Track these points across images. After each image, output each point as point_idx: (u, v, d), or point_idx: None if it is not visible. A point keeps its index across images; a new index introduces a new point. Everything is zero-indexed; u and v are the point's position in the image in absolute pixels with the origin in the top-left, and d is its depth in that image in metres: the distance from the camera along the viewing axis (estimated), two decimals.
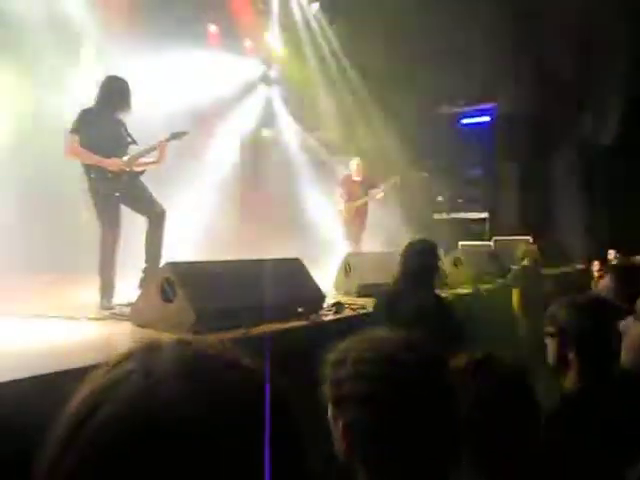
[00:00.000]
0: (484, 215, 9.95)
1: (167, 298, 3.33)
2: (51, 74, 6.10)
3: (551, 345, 1.92)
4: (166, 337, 0.62)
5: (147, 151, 4.35)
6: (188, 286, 3.32)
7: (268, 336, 3.16)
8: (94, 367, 0.59)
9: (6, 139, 6.05)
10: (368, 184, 7.55)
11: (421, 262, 3.57)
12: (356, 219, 7.47)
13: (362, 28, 9.00)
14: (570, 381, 1.86)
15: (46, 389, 1.82)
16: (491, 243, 8.80)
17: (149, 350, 0.59)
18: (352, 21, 9.22)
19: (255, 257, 4.26)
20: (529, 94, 9.43)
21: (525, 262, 6.16)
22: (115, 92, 4.27)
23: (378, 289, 4.00)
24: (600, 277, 6.00)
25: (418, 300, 3.31)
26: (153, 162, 4.41)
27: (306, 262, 4.30)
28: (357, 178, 7.57)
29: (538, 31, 8.86)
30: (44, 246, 5.74)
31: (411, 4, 8.74)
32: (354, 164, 7.63)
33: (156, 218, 4.27)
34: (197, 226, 7.62)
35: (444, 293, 5.30)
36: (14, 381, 1.92)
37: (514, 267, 6.43)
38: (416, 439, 1.05)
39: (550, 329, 1.93)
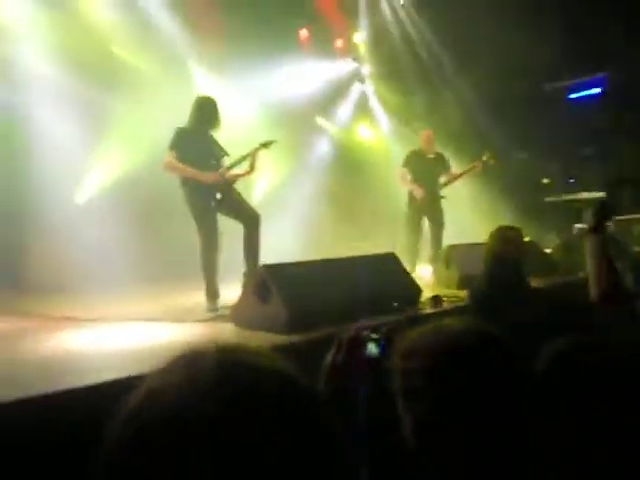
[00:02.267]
0: (601, 194, 9.27)
1: (263, 299, 3.46)
2: (163, 102, 6.51)
3: None
4: (212, 344, 0.65)
5: (238, 162, 4.60)
6: (282, 286, 3.43)
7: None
8: None
9: (128, 166, 6.60)
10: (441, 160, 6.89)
11: (504, 249, 3.49)
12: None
13: (453, 13, 8.74)
14: None
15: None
16: (610, 224, 8.20)
17: (192, 359, 0.63)
18: (443, 7, 8.97)
19: (351, 254, 4.31)
20: None
21: None
22: (206, 111, 4.56)
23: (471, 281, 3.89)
24: None
25: (502, 293, 3.22)
26: (245, 173, 4.64)
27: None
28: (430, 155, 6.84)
29: None
30: (156, 258, 6.18)
31: None
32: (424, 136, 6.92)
33: (252, 223, 4.48)
34: (297, 230, 7.80)
35: (555, 280, 5.08)
36: (116, 380, 2.12)
37: (637, 249, 5.97)
38: (484, 436, 1.02)
39: None
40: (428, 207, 6.57)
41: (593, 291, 2.15)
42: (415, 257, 6.41)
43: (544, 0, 8.36)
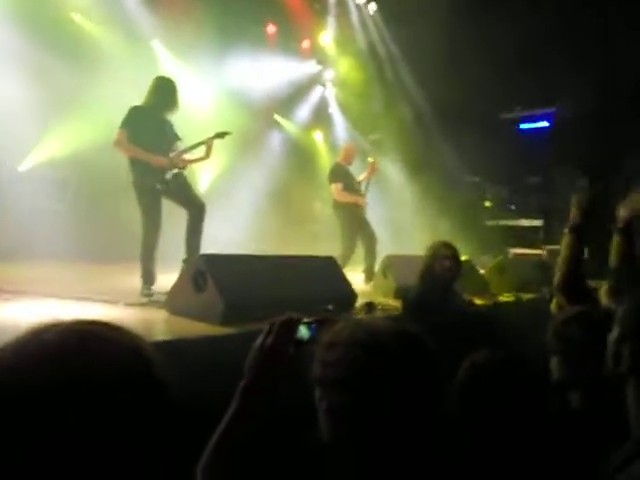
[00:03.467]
0: (538, 223, 9.68)
1: (199, 288, 3.44)
2: (122, 79, 6.36)
3: None
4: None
5: (191, 148, 4.57)
6: (219, 277, 3.42)
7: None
8: None
9: (85, 144, 6.41)
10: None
11: (442, 265, 3.65)
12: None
13: (420, 31, 8.94)
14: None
15: None
16: (544, 252, 8.58)
17: (40, 330, 0.68)
18: (410, 23, 9.16)
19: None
20: (592, 97, 9.12)
21: None
22: (164, 92, 4.51)
23: (405, 292, 4.02)
24: None
25: (430, 304, 3.36)
26: (200, 158, 4.62)
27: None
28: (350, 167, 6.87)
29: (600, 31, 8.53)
30: (92, 236, 6.05)
31: (470, 8, 8.66)
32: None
33: (196, 212, 4.45)
34: (241, 222, 7.79)
35: (484, 300, 5.27)
36: None
37: None
38: (398, 427, 1.06)
39: None
40: (364, 218, 6.66)
41: (556, 277, 2.25)
42: (346, 265, 6.45)
43: (502, 34, 8.66)
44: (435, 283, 3.79)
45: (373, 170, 6.89)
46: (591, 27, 8.38)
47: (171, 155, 4.46)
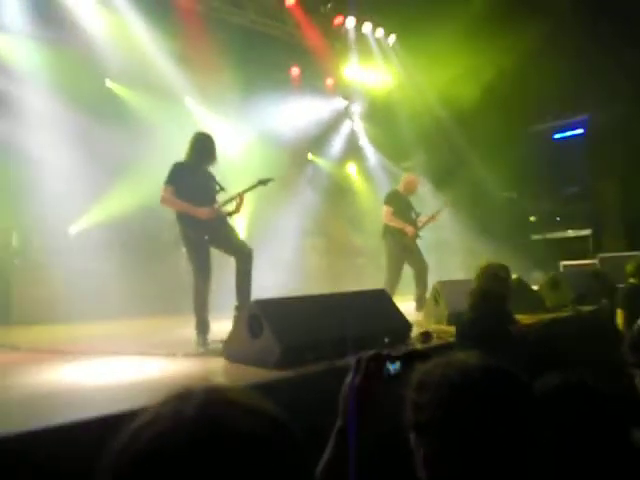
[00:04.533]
0: (587, 232, 9.44)
1: (254, 334, 3.45)
2: (160, 138, 6.59)
3: None
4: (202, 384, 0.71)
5: (231, 199, 4.66)
6: (273, 321, 3.42)
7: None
8: None
9: (129, 206, 6.66)
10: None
11: (490, 286, 3.58)
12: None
13: (443, 53, 9.00)
14: None
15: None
16: (595, 261, 8.34)
17: (181, 395, 0.69)
18: (431, 49, 9.22)
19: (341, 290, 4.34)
20: (624, 104, 8.96)
21: (633, 280, 5.78)
22: (203, 147, 4.65)
23: (458, 318, 3.94)
24: None
25: (486, 329, 3.28)
26: (232, 212, 4.68)
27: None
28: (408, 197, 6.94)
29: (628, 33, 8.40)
30: (147, 293, 6.20)
31: (493, 24, 8.67)
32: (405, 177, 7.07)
33: (244, 258, 4.51)
34: (285, 265, 7.84)
35: (540, 317, 5.13)
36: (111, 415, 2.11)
37: (621, 286, 6.05)
38: (498, 471, 1.01)
39: None
40: (413, 246, 6.62)
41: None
42: (393, 294, 6.39)
43: (528, 50, 8.63)
44: (487, 306, 3.70)
45: (436, 216, 6.92)
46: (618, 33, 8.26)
47: (215, 206, 4.57)
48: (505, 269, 3.95)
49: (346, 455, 1.20)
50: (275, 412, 0.70)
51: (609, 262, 7.78)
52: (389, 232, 6.61)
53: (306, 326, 3.53)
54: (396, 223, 6.58)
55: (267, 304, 3.56)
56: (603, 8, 8.19)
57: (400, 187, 6.93)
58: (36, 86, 6.13)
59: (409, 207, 6.81)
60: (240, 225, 8.16)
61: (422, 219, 6.85)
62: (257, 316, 3.47)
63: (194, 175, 4.55)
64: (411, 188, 6.91)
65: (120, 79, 7.12)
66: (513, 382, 1.06)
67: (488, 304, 3.75)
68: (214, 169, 4.76)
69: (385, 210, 6.67)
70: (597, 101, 9.29)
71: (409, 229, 6.57)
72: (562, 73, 8.84)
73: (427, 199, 7.90)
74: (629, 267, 5.87)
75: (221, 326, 4.30)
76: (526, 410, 1.04)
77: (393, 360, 1.24)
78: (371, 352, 1.26)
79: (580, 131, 10.16)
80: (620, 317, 5.41)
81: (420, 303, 6.18)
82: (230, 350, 3.63)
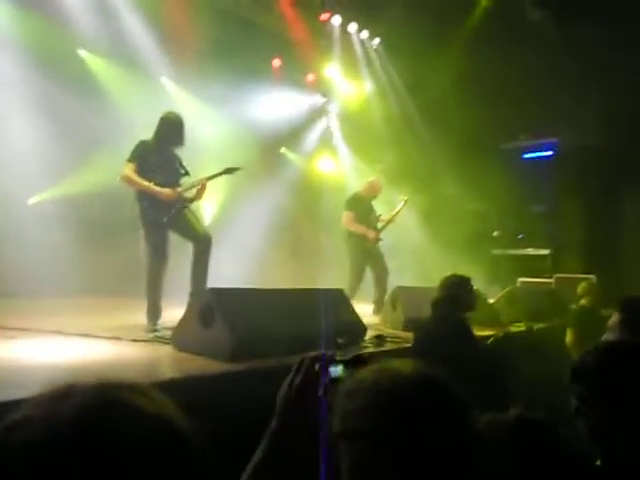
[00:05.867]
0: (546, 252, 9.59)
1: (206, 323, 3.35)
2: (130, 113, 6.40)
3: None
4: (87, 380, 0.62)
5: (193, 185, 4.54)
6: (227, 312, 3.33)
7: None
8: None
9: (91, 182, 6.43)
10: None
11: (450, 296, 3.58)
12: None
13: (423, 65, 9.03)
14: None
15: None
16: (552, 280, 8.47)
17: (57, 395, 0.60)
18: (413, 58, 9.23)
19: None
20: (594, 127, 9.14)
21: (583, 301, 5.88)
22: (171, 128, 4.50)
23: (418, 324, 3.91)
24: None
25: (447, 339, 3.27)
26: (193, 198, 4.55)
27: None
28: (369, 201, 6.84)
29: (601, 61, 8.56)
30: (103, 271, 6.02)
31: (472, 39, 8.75)
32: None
33: (202, 244, 4.41)
34: (248, 257, 7.72)
35: (495, 331, 5.15)
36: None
37: (573, 306, 6.15)
38: None
39: None
40: (375, 250, 6.58)
41: None
42: (354, 297, 6.36)
43: (504, 70, 8.74)
44: (449, 316, 3.68)
45: (395, 216, 6.86)
46: (594, 57, 8.41)
47: (179, 189, 4.45)
48: (469, 280, 3.94)
49: (279, 458, 1.14)
50: (174, 418, 0.61)
51: (565, 282, 7.90)
52: (351, 236, 6.55)
53: (260, 320, 3.45)
54: (357, 228, 6.51)
55: (222, 293, 3.47)
56: (580, 33, 8.31)
57: (362, 190, 6.86)
58: (2, 47, 5.86)
59: (370, 210, 6.76)
60: (207, 213, 8.02)
61: (383, 219, 6.81)
62: (210, 305, 3.37)
63: (159, 155, 4.42)
64: (374, 191, 6.85)
65: (94, 50, 6.88)
66: (444, 395, 1.01)
67: (450, 313, 3.73)
68: (182, 152, 4.64)
69: (346, 215, 6.58)
70: (568, 126, 9.46)
71: (370, 234, 6.52)
72: (536, 96, 8.97)
73: (394, 202, 7.88)
74: (580, 289, 6.00)
75: (175, 313, 4.17)
76: (454, 424, 0.99)
77: (337, 363, 1.16)
78: (314, 353, 1.18)
79: (549, 153, 10.32)
80: (570, 336, 5.49)
81: (378, 307, 6.16)
82: (179, 338, 3.52)
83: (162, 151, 4.47)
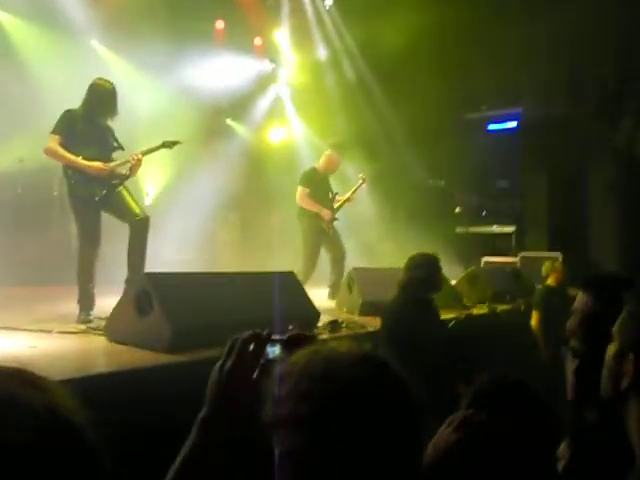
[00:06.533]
0: (510, 229, 9.82)
1: (143, 311, 3.30)
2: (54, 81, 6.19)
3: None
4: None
5: (127, 161, 4.43)
6: (166, 299, 3.28)
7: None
8: None
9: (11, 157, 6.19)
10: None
11: (421, 277, 3.63)
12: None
13: (380, 27, 9.01)
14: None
15: None
16: (517, 259, 8.69)
17: None
18: (369, 19, 9.20)
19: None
20: (560, 98, 9.35)
21: (549, 281, 6.05)
22: (101, 96, 4.39)
23: (382, 308, 3.95)
24: None
25: (416, 325, 3.33)
26: (126, 175, 4.44)
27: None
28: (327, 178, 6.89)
29: (570, 32, 8.74)
30: (30, 257, 5.85)
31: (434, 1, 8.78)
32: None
33: (139, 225, 4.31)
34: (190, 238, 7.63)
35: (456, 313, 5.26)
36: None
37: (539, 287, 6.33)
38: (367, 474, 0.96)
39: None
40: (331, 230, 6.60)
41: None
42: (308, 280, 6.41)
43: (467, 34, 8.81)
44: (420, 298, 3.74)
45: (352, 195, 6.88)
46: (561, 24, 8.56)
47: (111, 165, 4.33)
48: (439, 260, 3.99)
49: (208, 448, 1.12)
50: (67, 413, 0.60)
51: (529, 261, 8.12)
52: (305, 214, 6.54)
53: (203, 306, 3.43)
54: (311, 206, 6.51)
55: (160, 278, 3.43)
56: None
57: (319, 165, 6.85)
58: None
59: (327, 187, 6.77)
60: (149, 192, 7.88)
61: (338, 198, 6.83)
62: (147, 291, 3.32)
63: (88, 127, 4.31)
64: (331, 167, 6.85)
65: (10, 9, 6.59)
66: (386, 375, 1.00)
67: (421, 295, 3.79)
68: (115, 124, 4.53)
69: (300, 191, 6.55)
70: (532, 95, 9.64)
71: (325, 213, 6.53)
72: (499, 62, 9.07)
73: (350, 178, 7.89)
74: (544, 268, 6.16)
75: (110, 302, 4.08)
76: (397, 407, 0.99)
77: (273, 343, 1.15)
78: (247, 333, 1.16)
79: (514, 124, 10.50)
80: (535, 318, 5.66)
81: (334, 291, 6.19)
82: (113, 329, 3.47)
83: (92, 122, 4.35)
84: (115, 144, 4.47)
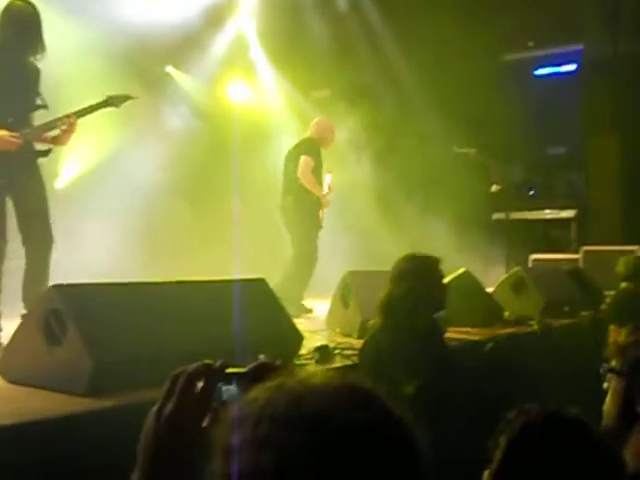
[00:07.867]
0: (570, 214, 9.90)
1: (53, 339, 3.32)
2: None
3: None
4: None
5: (54, 122, 4.44)
6: (85, 321, 3.31)
7: None
8: None
9: None
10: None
11: (407, 294, 3.63)
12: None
13: None
14: None
15: None
16: (578, 256, 8.77)
17: None
18: None
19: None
20: (637, 30, 9.42)
21: (626, 284, 6.11)
22: (19, 24, 4.40)
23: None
24: None
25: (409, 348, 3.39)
26: (52, 141, 4.53)
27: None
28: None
29: None
30: None
31: None
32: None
33: (39, 245, 4.40)
34: (120, 234, 7.68)
35: (495, 332, 5.31)
36: None
37: (611, 292, 6.39)
38: None
39: None
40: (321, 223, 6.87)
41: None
42: (305, 288, 6.50)
43: None
44: (413, 322, 3.73)
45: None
46: None
47: (24, 132, 4.32)
48: (439, 262, 3.94)
49: None
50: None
51: (597, 258, 8.19)
52: (307, 197, 6.68)
53: (135, 330, 3.47)
54: (314, 186, 6.66)
55: (74, 293, 3.47)
56: None
57: (313, 133, 6.97)
58: None
59: (321, 167, 6.92)
60: (65, 175, 7.90)
61: (329, 182, 7.06)
62: (58, 311, 3.35)
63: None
64: (329, 137, 7.02)
65: None
66: (371, 412, 1.02)
67: (418, 317, 3.77)
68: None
69: (305, 163, 6.65)
70: (598, 27, 9.70)
71: (326, 201, 6.74)
72: None
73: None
74: (620, 267, 6.21)
75: (11, 326, 4.13)
76: (387, 454, 1.01)
77: (230, 379, 1.16)
78: (194, 365, 1.18)
79: (572, 67, 10.56)
80: (614, 334, 5.69)
81: None
82: (11, 365, 3.49)
83: (6, 63, 4.38)
84: (39, 101, 4.48)
